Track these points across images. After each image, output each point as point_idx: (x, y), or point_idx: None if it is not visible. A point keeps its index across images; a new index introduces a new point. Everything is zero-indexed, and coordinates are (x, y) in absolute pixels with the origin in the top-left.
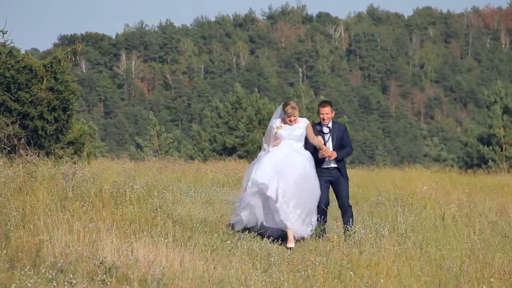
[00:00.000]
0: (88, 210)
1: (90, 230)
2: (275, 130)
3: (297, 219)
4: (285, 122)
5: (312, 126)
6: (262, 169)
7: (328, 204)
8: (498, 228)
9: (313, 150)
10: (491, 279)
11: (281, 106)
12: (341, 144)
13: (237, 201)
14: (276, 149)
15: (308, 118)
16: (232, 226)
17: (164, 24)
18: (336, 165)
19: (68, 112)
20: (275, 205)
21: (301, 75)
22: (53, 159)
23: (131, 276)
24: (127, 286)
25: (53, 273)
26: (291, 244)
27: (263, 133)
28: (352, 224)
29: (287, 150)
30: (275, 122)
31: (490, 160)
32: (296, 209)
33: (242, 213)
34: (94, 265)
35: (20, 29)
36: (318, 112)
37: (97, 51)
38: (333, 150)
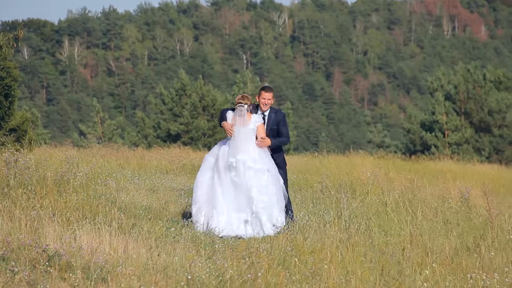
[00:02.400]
0: (31, 197)
1: (32, 218)
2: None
3: None
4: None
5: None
6: None
7: None
8: (440, 213)
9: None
10: (434, 264)
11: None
12: (276, 132)
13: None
14: None
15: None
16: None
17: (107, 10)
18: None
19: (10, 99)
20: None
21: (245, 61)
22: None
23: (74, 264)
24: (70, 274)
25: None
26: None
27: (207, 120)
28: (291, 212)
29: None
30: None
31: (433, 147)
32: None
33: None
34: (37, 253)
35: None
36: (259, 96)
37: (40, 38)
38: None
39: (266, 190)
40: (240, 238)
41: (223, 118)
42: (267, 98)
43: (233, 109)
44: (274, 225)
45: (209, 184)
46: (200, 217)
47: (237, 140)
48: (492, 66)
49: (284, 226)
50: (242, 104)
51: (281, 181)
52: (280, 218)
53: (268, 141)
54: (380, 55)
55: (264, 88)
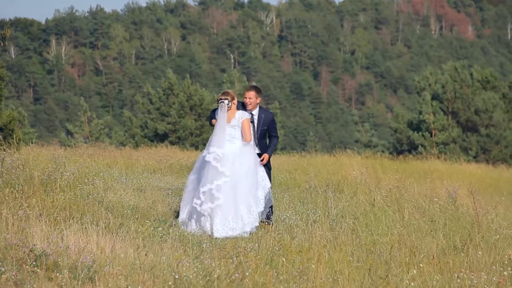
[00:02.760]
0: (18, 197)
1: (19, 218)
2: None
3: None
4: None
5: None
6: None
7: None
8: (427, 213)
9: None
10: (421, 264)
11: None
12: (265, 133)
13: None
14: None
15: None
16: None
17: (94, 9)
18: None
19: None
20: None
21: (232, 61)
22: None
23: (61, 264)
24: (57, 274)
25: None
26: None
27: (195, 119)
28: (271, 212)
29: None
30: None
31: (420, 146)
32: None
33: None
34: (24, 252)
35: None
36: (244, 96)
37: (27, 37)
38: (256, 139)
39: (223, 189)
40: (227, 237)
41: (212, 117)
42: (248, 97)
43: None
44: (228, 230)
45: (195, 182)
46: (183, 214)
47: (214, 135)
48: (479, 66)
49: (260, 226)
50: (223, 100)
51: (267, 185)
52: (245, 220)
53: (266, 156)
54: (368, 55)
55: (246, 88)
